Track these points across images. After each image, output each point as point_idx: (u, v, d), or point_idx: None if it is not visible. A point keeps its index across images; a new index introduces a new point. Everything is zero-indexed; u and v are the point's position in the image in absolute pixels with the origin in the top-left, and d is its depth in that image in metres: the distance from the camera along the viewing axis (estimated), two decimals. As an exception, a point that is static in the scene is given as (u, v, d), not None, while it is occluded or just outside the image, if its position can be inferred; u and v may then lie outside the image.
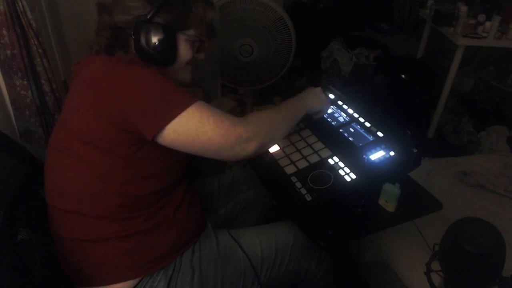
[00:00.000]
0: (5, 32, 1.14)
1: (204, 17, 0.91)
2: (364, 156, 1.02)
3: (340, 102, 1.26)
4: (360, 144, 1.07)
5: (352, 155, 1.04)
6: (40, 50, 1.24)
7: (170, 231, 0.92)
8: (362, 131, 1.12)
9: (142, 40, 0.83)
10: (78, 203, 0.85)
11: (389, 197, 0.98)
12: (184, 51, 0.90)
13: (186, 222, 0.95)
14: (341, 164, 1.02)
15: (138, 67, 0.80)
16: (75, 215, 0.86)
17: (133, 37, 0.84)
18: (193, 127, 0.78)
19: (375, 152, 1.03)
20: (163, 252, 0.91)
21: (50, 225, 0.91)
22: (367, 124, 1.14)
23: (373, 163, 1.01)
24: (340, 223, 0.96)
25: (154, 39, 0.83)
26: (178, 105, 0.77)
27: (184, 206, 0.95)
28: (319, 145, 1.10)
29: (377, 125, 1.12)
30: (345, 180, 0.98)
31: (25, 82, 1.22)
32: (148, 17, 0.82)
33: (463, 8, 2.36)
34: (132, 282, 0.89)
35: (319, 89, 1.09)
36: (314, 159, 1.06)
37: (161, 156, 0.86)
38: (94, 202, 0.85)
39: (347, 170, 1.00)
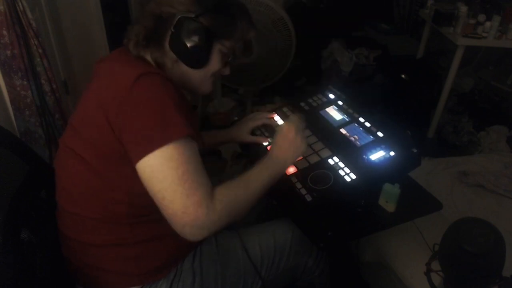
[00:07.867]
0: (5, 32, 1.14)
1: (244, 34, 0.92)
2: (364, 156, 1.02)
3: (340, 102, 1.26)
4: (360, 144, 1.07)
5: (352, 155, 1.04)
6: (40, 50, 1.25)
7: (175, 239, 0.91)
8: (362, 131, 1.12)
9: (180, 35, 0.83)
10: (85, 208, 0.85)
11: (389, 197, 0.98)
12: (215, 60, 0.90)
13: None
14: (341, 164, 1.02)
15: (149, 83, 0.77)
16: (83, 218, 0.85)
17: (172, 30, 0.83)
18: (166, 170, 0.74)
19: (375, 152, 1.03)
20: (167, 259, 0.91)
21: (58, 225, 0.91)
22: (367, 124, 1.14)
23: (373, 163, 1.01)
24: (340, 224, 0.96)
25: (194, 38, 0.83)
26: (164, 135, 0.74)
27: None
28: (319, 145, 1.10)
29: (377, 125, 1.12)
30: (345, 180, 0.98)
31: (25, 82, 1.22)
32: (193, 15, 0.83)
33: (463, 8, 2.36)
34: None
35: (293, 132, 0.94)
36: (314, 159, 1.06)
37: None
38: (101, 208, 0.84)
39: (347, 170, 1.00)
